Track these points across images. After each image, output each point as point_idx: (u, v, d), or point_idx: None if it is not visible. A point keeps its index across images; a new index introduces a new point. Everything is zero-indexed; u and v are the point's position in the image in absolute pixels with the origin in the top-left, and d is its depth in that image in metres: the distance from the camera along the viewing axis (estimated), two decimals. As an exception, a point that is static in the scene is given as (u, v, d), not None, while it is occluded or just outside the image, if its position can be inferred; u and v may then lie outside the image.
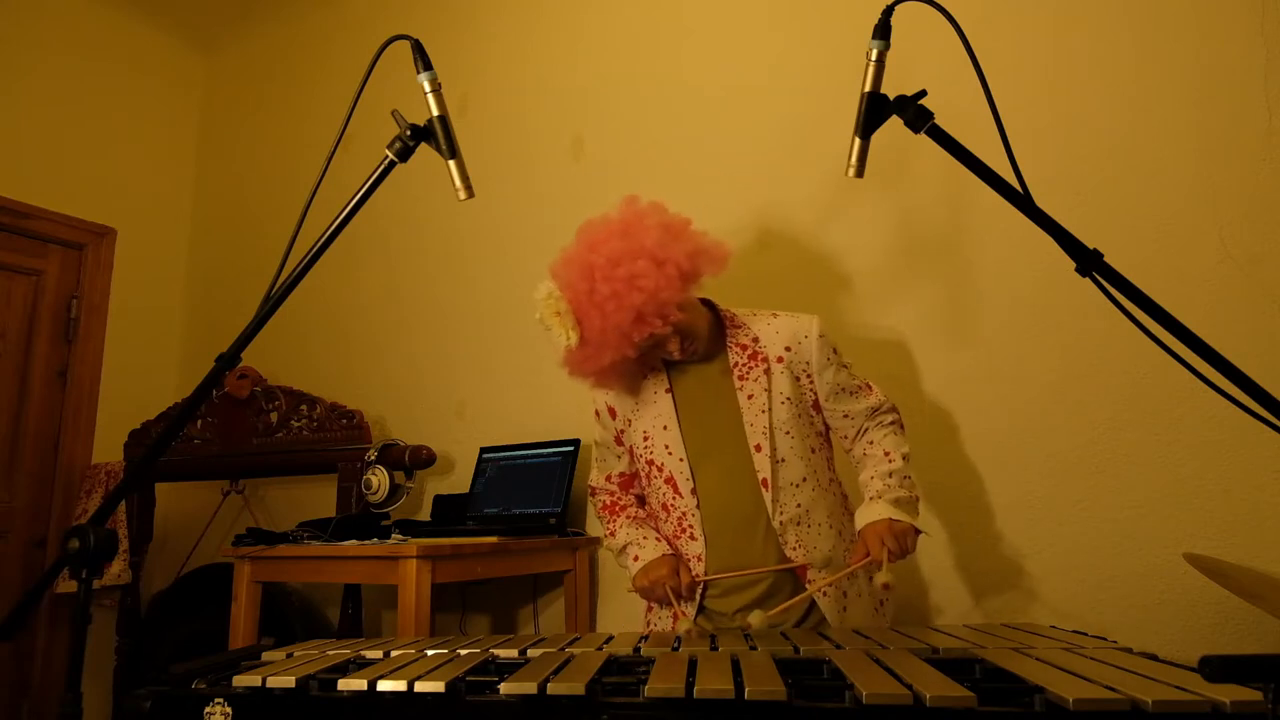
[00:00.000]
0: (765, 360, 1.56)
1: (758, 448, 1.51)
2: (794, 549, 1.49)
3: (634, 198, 1.56)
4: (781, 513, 1.50)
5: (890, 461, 1.52)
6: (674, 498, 1.55)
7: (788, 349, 1.56)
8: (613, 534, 1.64)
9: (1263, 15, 1.76)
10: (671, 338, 1.50)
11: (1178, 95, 1.83)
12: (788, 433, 1.52)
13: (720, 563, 1.51)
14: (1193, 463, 1.73)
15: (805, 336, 1.57)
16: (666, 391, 1.59)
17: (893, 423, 1.60)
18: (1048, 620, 1.77)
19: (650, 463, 1.59)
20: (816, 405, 1.58)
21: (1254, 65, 1.76)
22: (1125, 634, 1.75)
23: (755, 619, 1.31)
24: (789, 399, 1.54)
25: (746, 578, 1.50)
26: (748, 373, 1.56)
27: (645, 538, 1.57)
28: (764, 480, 1.50)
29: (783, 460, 1.51)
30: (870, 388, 1.61)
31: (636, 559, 1.55)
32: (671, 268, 1.44)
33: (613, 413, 1.66)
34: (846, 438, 1.62)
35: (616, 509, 1.68)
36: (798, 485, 1.52)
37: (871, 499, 1.48)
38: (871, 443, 1.58)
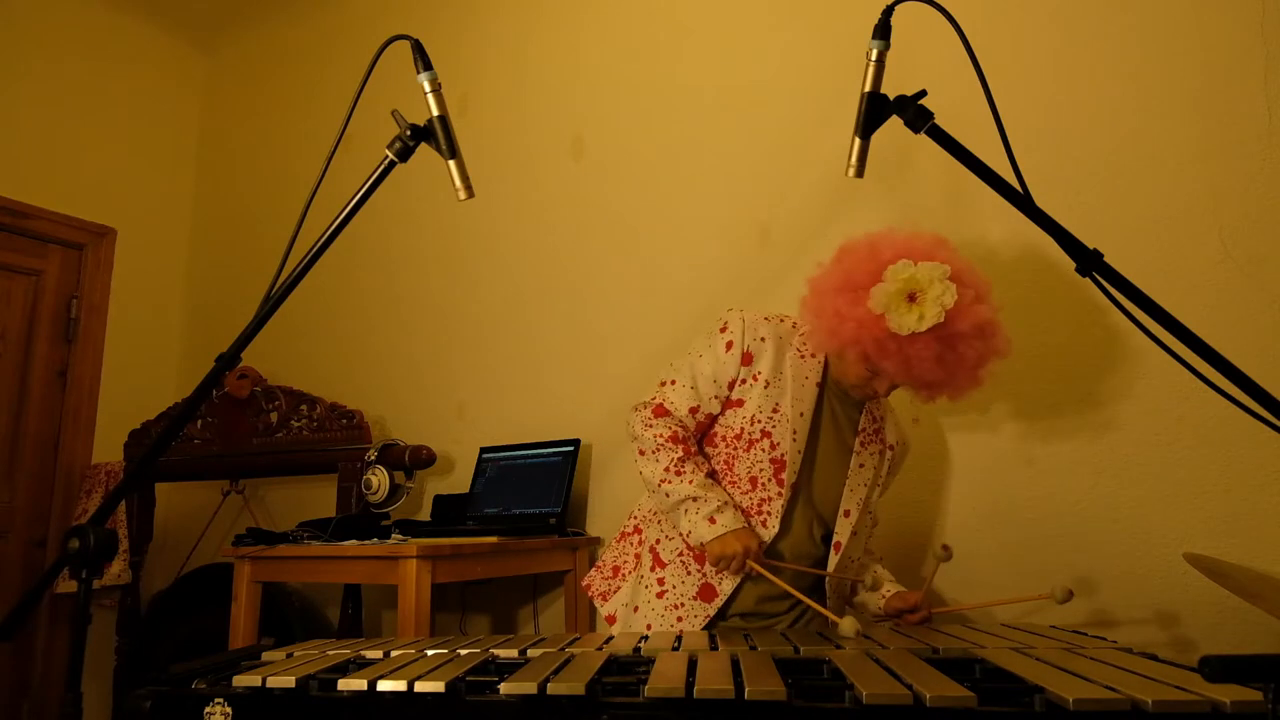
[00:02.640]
0: (884, 443, 1.60)
1: (847, 513, 1.53)
2: (831, 608, 1.54)
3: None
4: (839, 575, 1.55)
5: (883, 564, 1.72)
6: (769, 480, 1.49)
7: (894, 445, 1.62)
8: (679, 475, 1.47)
9: (1263, 15, 1.76)
10: (891, 384, 1.47)
11: (1178, 95, 1.83)
12: (869, 513, 1.60)
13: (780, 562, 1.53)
14: (1193, 463, 1.73)
15: (902, 441, 1.65)
16: (818, 384, 1.53)
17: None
18: (1048, 620, 1.77)
19: (766, 434, 1.49)
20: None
21: (1254, 65, 1.76)
22: (1125, 634, 1.75)
23: (847, 626, 1.26)
24: (880, 487, 1.60)
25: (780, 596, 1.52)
26: (869, 443, 1.58)
27: (726, 502, 1.46)
28: (837, 543, 1.53)
29: (856, 534, 1.55)
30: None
31: (714, 521, 1.43)
32: (976, 386, 1.44)
33: (748, 358, 1.51)
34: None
35: (690, 451, 1.52)
36: (854, 560, 1.60)
37: (891, 582, 1.63)
38: (870, 548, 1.73)
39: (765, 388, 1.50)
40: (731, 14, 2.47)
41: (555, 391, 2.62)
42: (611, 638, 1.26)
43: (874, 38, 1.11)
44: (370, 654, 1.14)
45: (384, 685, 0.95)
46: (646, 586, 1.55)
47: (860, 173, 1.14)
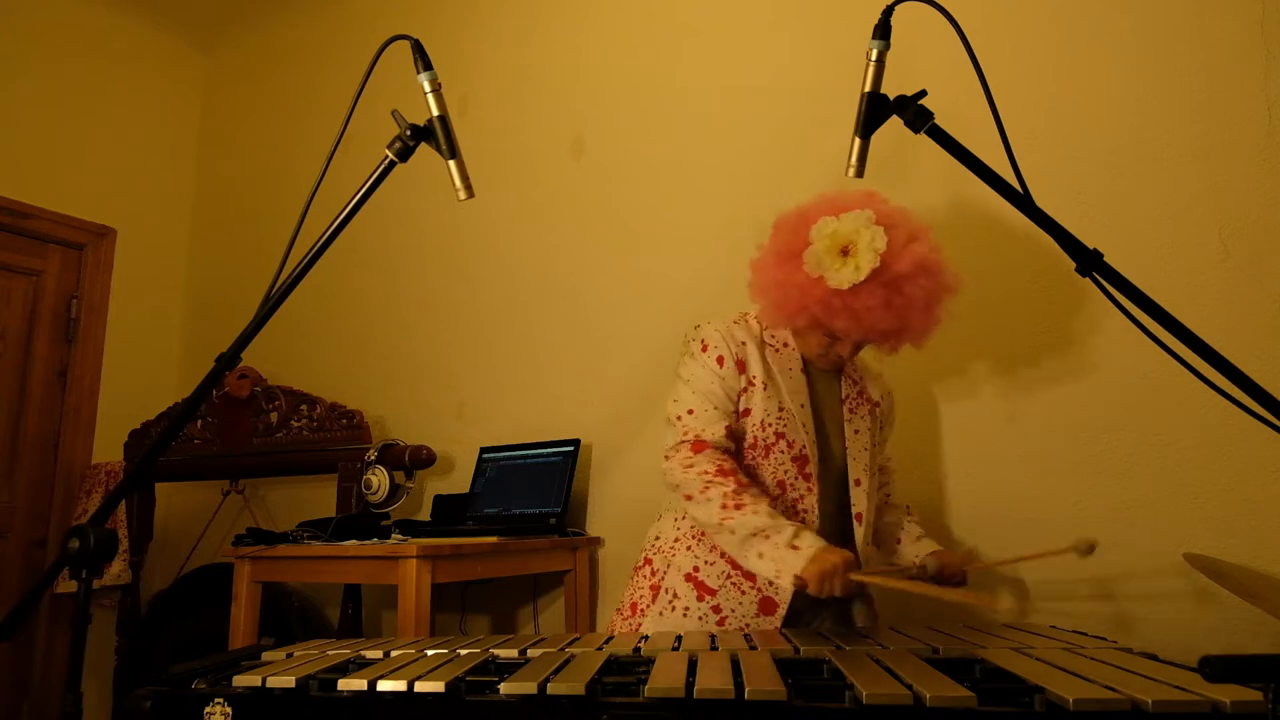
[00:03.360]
0: (870, 402, 1.60)
1: (857, 482, 1.52)
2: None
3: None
4: (866, 545, 1.52)
5: (912, 515, 1.70)
6: (796, 478, 1.47)
7: (879, 400, 1.62)
8: (740, 508, 1.36)
9: (1263, 15, 1.76)
10: (858, 347, 1.50)
11: (1178, 95, 1.83)
12: (874, 475, 1.58)
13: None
14: (1192, 462, 1.73)
15: (887, 393, 1.65)
16: (802, 371, 1.52)
17: (895, 481, 1.76)
18: (1048, 620, 1.77)
19: (780, 435, 1.47)
20: None
21: (1254, 65, 1.76)
22: (1125, 634, 1.75)
23: (1005, 604, 1.29)
24: (878, 445, 1.60)
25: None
26: (857, 407, 1.57)
27: (799, 530, 1.35)
28: (858, 515, 1.51)
29: (870, 500, 1.54)
30: (888, 458, 1.73)
31: (796, 547, 1.32)
32: (937, 324, 1.45)
33: (742, 366, 1.48)
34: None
35: (743, 482, 1.40)
36: (870, 527, 1.56)
37: (919, 538, 1.63)
38: (890, 494, 1.73)
39: (764, 390, 1.48)
40: (732, 14, 2.47)
41: (555, 391, 2.62)
42: (611, 637, 1.26)
43: (874, 38, 1.11)
44: (370, 654, 1.14)
45: (384, 685, 0.95)
46: (700, 618, 1.45)
47: (860, 173, 1.14)
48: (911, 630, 1.26)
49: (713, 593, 1.45)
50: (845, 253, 1.34)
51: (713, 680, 0.89)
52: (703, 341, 1.51)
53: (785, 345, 1.54)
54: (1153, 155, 1.84)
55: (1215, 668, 0.67)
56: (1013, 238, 1.95)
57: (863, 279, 1.32)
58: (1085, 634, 1.23)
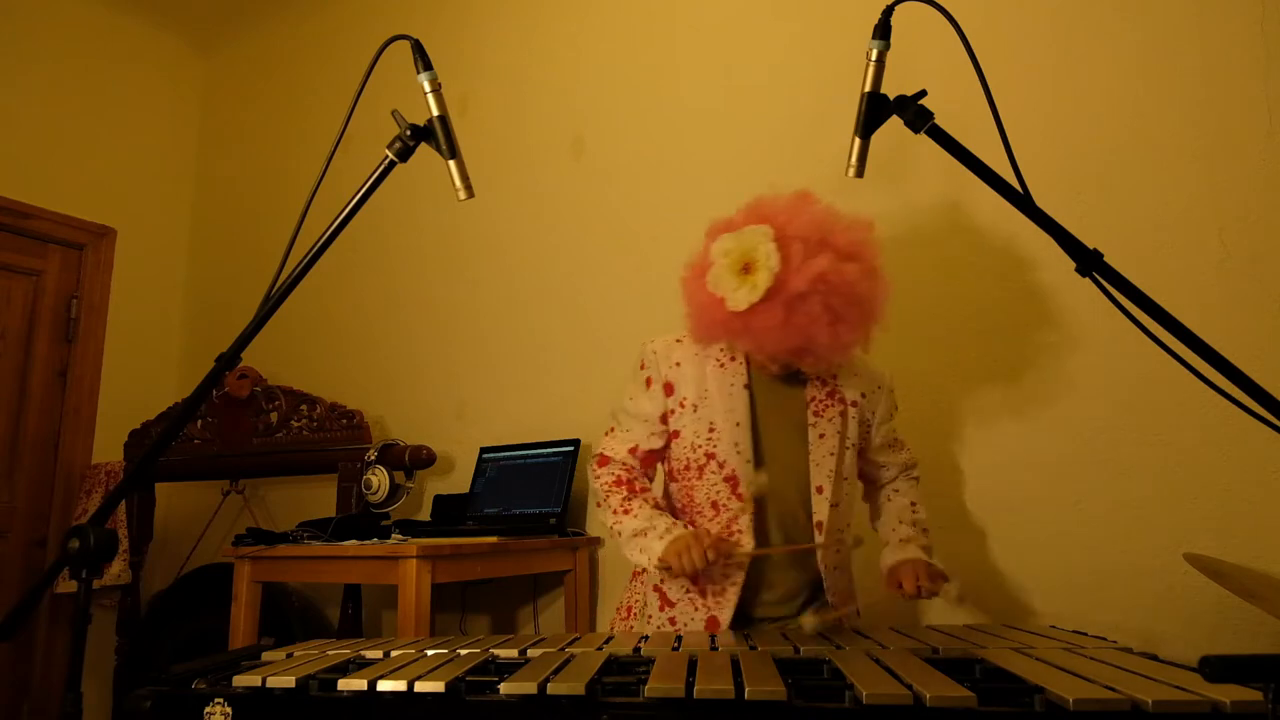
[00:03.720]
0: (843, 402, 1.52)
1: (819, 489, 1.46)
2: (831, 593, 1.49)
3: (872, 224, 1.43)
4: (823, 553, 1.48)
5: (915, 513, 1.58)
6: (729, 498, 1.45)
7: (862, 395, 1.54)
8: (628, 513, 1.46)
9: (1263, 15, 1.76)
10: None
11: (1178, 95, 1.83)
12: (846, 478, 1.51)
13: (765, 576, 1.49)
14: (1192, 462, 1.73)
15: (879, 387, 1.57)
16: (745, 387, 1.48)
17: (917, 478, 1.66)
18: (1048, 620, 1.77)
19: (711, 456, 1.47)
20: (864, 452, 1.58)
21: (1254, 65, 1.76)
22: (1125, 634, 1.74)
23: (807, 622, 1.26)
24: (852, 446, 1.52)
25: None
26: (823, 410, 1.50)
27: (673, 523, 1.42)
28: (819, 523, 1.45)
29: (837, 505, 1.48)
30: (904, 444, 1.64)
31: (663, 538, 1.39)
32: (865, 333, 1.38)
33: (669, 389, 1.51)
34: (874, 483, 1.66)
35: (635, 489, 1.51)
36: (842, 531, 1.52)
37: (903, 541, 1.52)
38: (897, 491, 1.63)
39: (695, 411, 1.48)
40: (732, 14, 2.47)
41: (555, 391, 2.62)
42: (611, 637, 1.26)
43: (874, 38, 1.11)
44: (370, 654, 1.14)
45: (384, 685, 0.95)
46: (659, 628, 1.51)
47: (860, 173, 1.14)
48: (911, 630, 1.26)
49: (672, 604, 1.51)
50: (746, 270, 1.31)
51: (713, 680, 0.89)
52: (642, 360, 1.55)
53: (732, 360, 1.50)
54: (1153, 155, 1.84)
55: (1215, 668, 0.67)
56: (1012, 238, 1.95)
57: (759, 298, 1.29)
58: (1085, 634, 1.23)
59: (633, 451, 1.55)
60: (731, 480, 1.45)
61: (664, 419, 1.52)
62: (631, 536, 1.44)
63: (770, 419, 1.49)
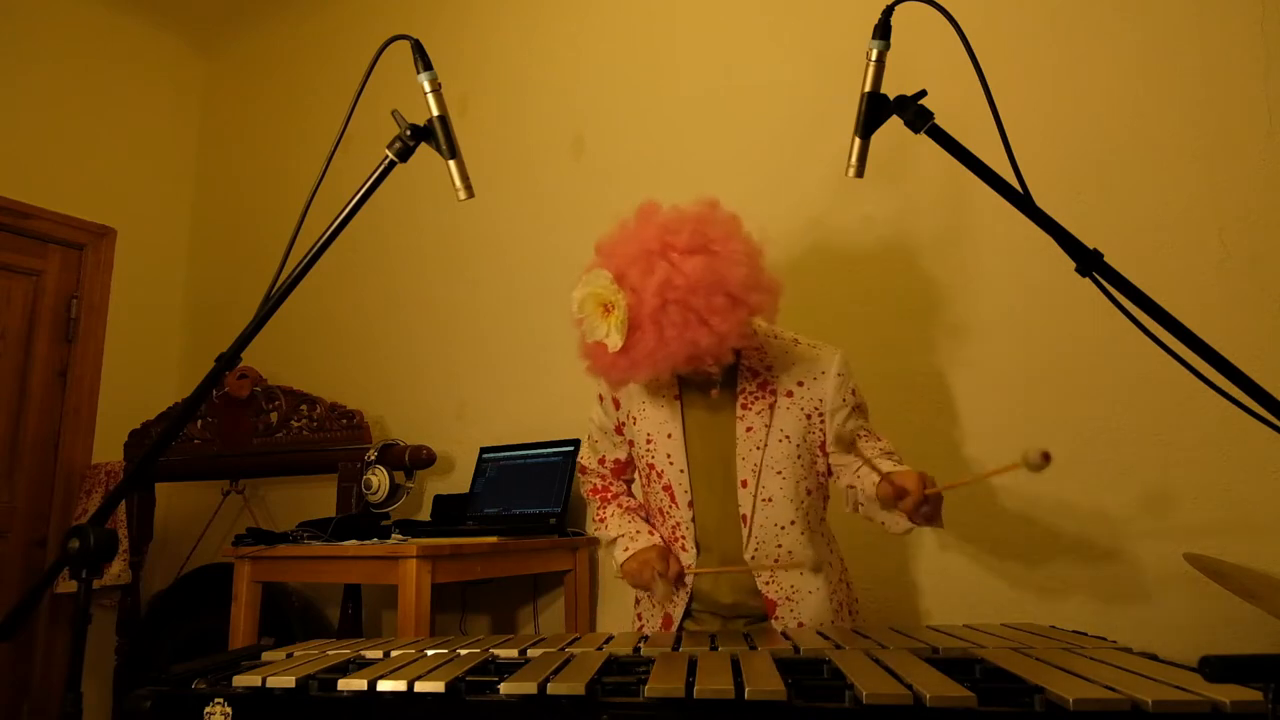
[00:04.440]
0: (774, 394, 1.48)
1: (744, 483, 1.46)
2: (766, 584, 1.47)
3: (716, 202, 1.44)
4: (757, 550, 1.46)
5: (891, 454, 1.47)
6: (670, 506, 1.51)
7: (800, 384, 1.48)
8: (603, 521, 1.62)
9: (1263, 15, 1.76)
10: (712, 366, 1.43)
11: (1178, 95, 1.83)
12: (779, 472, 1.46)
13: (706, 580, 1.51)
14: (1192, 462, 1.73)
15: (821, 373, 1.49)
16: (675, 398, 1.52)
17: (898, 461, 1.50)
18: (1048, 620, 1.77)
19: (650, 466, 1.53)
20: (824, 446, 1.50)
21: (1254, 65, 1.76)
22: (1125, 634, 1.75)
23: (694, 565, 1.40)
24: (788, 437, 1.46)
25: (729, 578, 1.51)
26: (752, 403, 1.48)
27: (638, 531, 1.55)
28: (744, 516, 1.46)
29: (769, 500, 1.45)
30: (879, 435, 1.52)
31: (627, 550, 1.53)
32: (745, 311, 1.34)
33: (616, 404, 1.60)
34: (842, 477, 1.52)
35: (608, 496, 1.66)
36: (783, 528, 1.46)
37: (887, 456, 1.45)
38: (859, 473, 1.49)
39: (636, 424, 1.56)
40: (732, 14, 2.47)
41: (555, 391, 2.62)
42: (611, 637, 1.26)
43: (874, 38, 1.11)
44: (370, 654, 1.14)
45: (384, 685, 0.95)
46: (632, 621, 1.64)
47: (860, 173, 1.14)
48: (911, 630, 1.26)
49: (637, 602, 1.63)
50: (607, 310, 1.35)
51: (713, 680, 0.89)
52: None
53: None
54: (1153, 155, 1.84)
55: (1215, 668, 0.67)
56: (1012, 238, 1.95)
57: (627, 331, 1.32)
58: (1085, 634, 1.23)
59: (601, 462, 1.68)
60: (668, 490, 1.52)
61: (619, 430, 1.62)
62: (609, 544, 1.58)
63: (704, 424, 1.51)
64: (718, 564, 1.49)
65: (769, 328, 1.56)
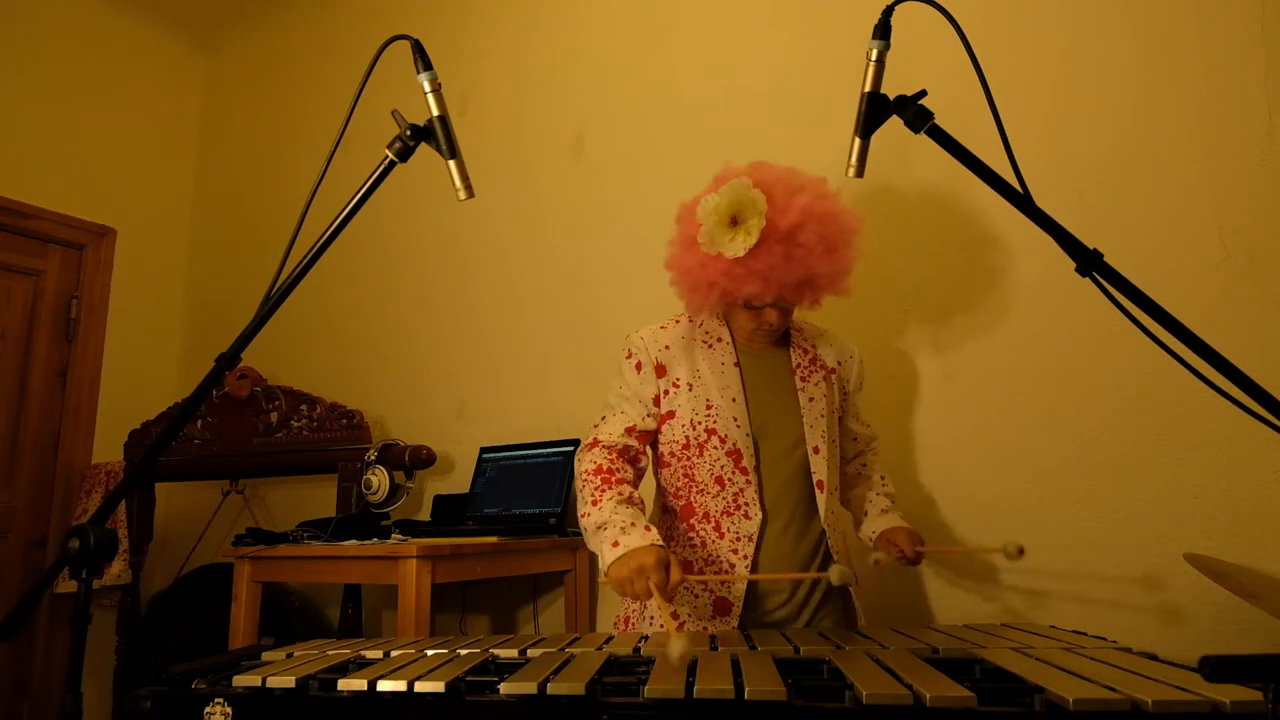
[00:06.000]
0: (824, 369, 1.60)
1: (815, 449, 1.53)
2: (836, 551, 1.53)
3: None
4: (831, 513, 1.54)
5: (885, 486, 1.71)
6: (734, 472, 1.49)
7: (839, 363, 1.64)
8: (596, 504, 1.38)
9: (1263, 16, 1.76)
10: (785, 311, 1.51)
11: (1178, 95, 1.83)
12: (834, 441, 1.59)
13: (773, 545, 1.48)
14: (1193, 463, 1.73)
15: (850, 357, 1.66)
16: (735, 365, 1.55)
17: (876, 450, 1.76)
18: (1048, 620, 1.77)
19: (711, 432, 1.50)
20: (840, 421, 1.65)
21: (1254, 65, 1.76)
22: (1125, 634, 1.75)
23: (835, 574, 1.29)
24: (834, 412, 1.60)
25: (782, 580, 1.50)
26: (809, 375, 1.58)
27: (633, 523, 1.32)
28: (819, 482, 1.52)
29: (831, 466, 1.55)
30: (885, 482, 1.73)
31: (616, 544, 1.29)
32: (852, 261, 1.48)
33: (661, 370, 1.54)
34: (841, 456, 1.69)
35: (611, 480, 1.43)
36: (834, 492, 1.57)
37: (884, 511, 1.64)
38: (866, 465, 1.74)
39: (690, 390, 1.53)
40: (732, 13, 2.47)
41: (555, 391, 2.62)
42: (611, 637, 1.26)
43: (874, 38, 1.11)
44: (370, 654, 1.14)
45: (384, 685, 0.95)
46: (661, 627, 1.45)
47: (860, 173, 1.14)
48: (911, 630, 1.26)
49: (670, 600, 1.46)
50: (734, 222, 1.39)
51: (713, 680, 0.89)
52: (628, 349, 1.59)
53: (720, 340, 1.57)
54: (1153, 155, 1.84)
55: (1215, 668, 0.67)
56: (1012, 238, 1.95)
57: (755, 241, 1.37)
58: (1085, 634, 1.23)
59: (629, 431, 1.53)
60: (734, 454, 1.49)
61: (656, 401, 1.56)
62: (596, 530, 1.36)
63: (762, 391, 1.55)
64: (781, 532, 1.49)
65: (796, 319, 1.65)
